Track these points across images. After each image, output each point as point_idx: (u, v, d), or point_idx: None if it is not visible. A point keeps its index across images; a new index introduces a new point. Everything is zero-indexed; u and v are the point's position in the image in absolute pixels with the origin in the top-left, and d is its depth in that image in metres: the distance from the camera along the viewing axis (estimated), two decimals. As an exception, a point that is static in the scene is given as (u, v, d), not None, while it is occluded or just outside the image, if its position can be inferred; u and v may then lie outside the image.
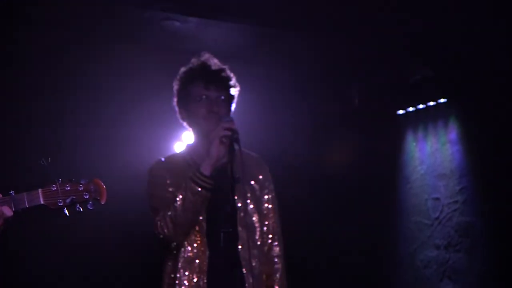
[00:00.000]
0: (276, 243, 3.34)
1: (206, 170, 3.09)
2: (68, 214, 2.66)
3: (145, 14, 4.76)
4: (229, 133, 3.07)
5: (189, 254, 3.17)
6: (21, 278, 5.22)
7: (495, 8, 4.57)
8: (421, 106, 6.07)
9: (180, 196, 3.12)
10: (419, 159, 6.12)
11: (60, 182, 2.65)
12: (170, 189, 3.23)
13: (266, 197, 3.36)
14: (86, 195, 2.69)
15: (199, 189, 3.09)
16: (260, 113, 5.69)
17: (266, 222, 3.33)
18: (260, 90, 5.58)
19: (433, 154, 5.98)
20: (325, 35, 5.20)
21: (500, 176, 5.32)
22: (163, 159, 3.44)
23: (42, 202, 2.62)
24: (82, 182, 2.69)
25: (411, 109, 6.18)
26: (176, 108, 3.39)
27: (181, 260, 3.17)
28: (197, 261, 3.15)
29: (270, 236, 3.33)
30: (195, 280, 3.13)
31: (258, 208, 3.30)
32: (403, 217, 6.25)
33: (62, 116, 5.42)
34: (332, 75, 5.93)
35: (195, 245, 3.18)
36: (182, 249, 3.18)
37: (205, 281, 3.12)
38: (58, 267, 5.38)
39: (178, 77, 3.37)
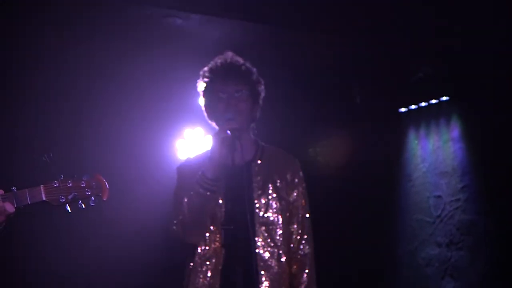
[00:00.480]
0: (304, 241, 3.30)
1: (209, 172, 3.07)
2: (70, 211, 2.65)
3: (147, 11, 4.74)
4: (229, 134, 3.05)
5: (206, 252, 3.16)
6: (22, 275, 5.23)
7: (497, 6, 4.57)
8: (423, 104, 6.06)
9: (186, 200, 3.11)
10: (421, 157, 6.12)
11: (62, 178, 2.64)
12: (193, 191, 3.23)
13: (294, 195, 3.32)
14: (88, 191, 2.68)
15: (206, 192, 3.07)
16: (262, 111, 5.68)
17: (296, 220, 3.29)
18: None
19: (435, 152, 5.98)
20: (327, 33, 5.20)
21: (502, 174, 5.31)
22: (191, 157, 3.43)
23: (44, 199, 2.62)
24: (84, 178, 2.68)
25: (413, 107, 6.17)
26: (203, 109, 3.37)
27: (198, 258, 3.17)
28: (213, 260, 3.14)
29: (300, 233, 3.29)
30: (208, 278, 3.12)
31: (283, 207, 3.25)
32: (405, 215, 6.25)
33: (64, 113, 5.42)
34: (334, 73, 5.92)
35: (212, 244, 3.16)
36: (199, 248, 3.17)
37: (219, 279, 3.10)
38: (59, 264, 5.38)
39: (200, 76, 3.36)
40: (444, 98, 5.86)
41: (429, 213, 6.00)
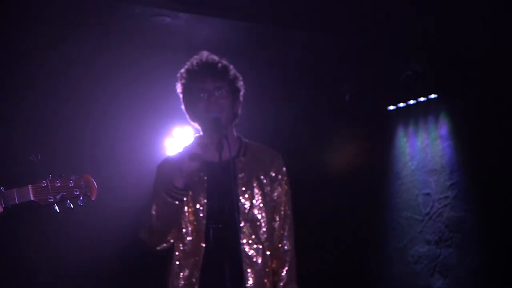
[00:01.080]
0: (286, 238, 3.31)
1: (179, 183, 3.07)
2: (58, 211, 2.64)
3: (135, 10, 4.73)
4: (198, 151, 3.06)
5: (184, 251, 3.16)
6: (16, 275, 5.21)
7: (485, 4, 4.59)
8: (411, 101, 6.08)
9: (155, 207, 3.13)
10: (410, 155, 6.14)
11: (50, 178, 2.64)
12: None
13: (277, 192, 3.32)
14: (76, 191, 2.68)
15: (174, 201, 3.08)
16: (249, 110, 5.67)
17: (278, 217, 3.30)
18: (249, 87, 5.57)
19: (423, 150, 5.99)
20: (315, 32, 5.20)
21: (491, 171, 5.34)
22: (171, 156, 3.43)
23: (32, 199, 2.61)
24: (73, 178, 2.67)
25: (401, 104, 6.19)
26: (184, 110, 3.37)
27: (176, 257, 3.18)
28: (192, 257, 3.14)
29: (281, 230, 3.30)
30: (186, 274, 3.13)
31: (266, 204, 3.26)
32: (394, 212, 6.27)
33: (52, 112, 5.40)
34: (323, 71, 5.93)
35: (189, 241, 3.17)
36: (178, 245, 3.18)
37: (198, 277, 3.11)
38: (50, 264, 5.37)
39: (178, 78, 3.35)
40: (433, 96, 5.88)
41: (418, 210, 6.02)
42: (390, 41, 5.32)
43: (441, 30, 5.05)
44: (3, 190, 2.57)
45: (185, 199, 3.11)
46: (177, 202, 3.08)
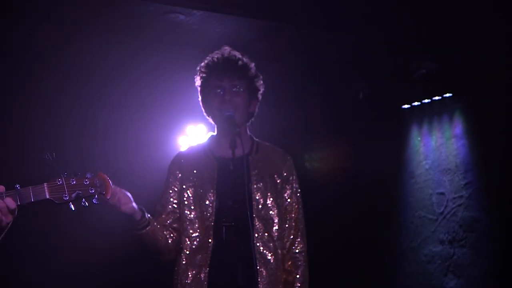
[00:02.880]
0: (299, 239, 3.30)
1: (136, 215, 3.07)
2: (73, 209, 2.63)
3: (149, 7, 4.73)
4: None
5: (191, 249, 3.15)
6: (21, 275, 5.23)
7: (501, 3, 4.56)
8: (426, 100, 6.04)
9: (133, 245, 3.19)
10: (424, 154, 6.10)
11: (65, 176, 2.63)
12: (176, 188, 3.27)
13: (289, 192, 3.31)
14: (91, 189, 2.66)
15: (138, 232, 3.10)
16: (264, 108, 5.67)
17: (289, 218, 3.28)
18: (264, 84, 5.55)
19: (438, 149, 5.96)
20: (330, 30, 5.18)
21: (505, 170, 5.30)
22: (182, 151, 3.43)
23: (47, 197, 2.59)
24: (88, 176, 2.66)
25: (416, 103, 6.15)
26: (200, 103, 3.36)
27: (183, 254, 3.16)
28: (200, 254, 3.13)
29: (293, 231, 3.29)
30: (195, 271, 3.11)
31: (279, 203, 3.25)
32: (407, 211, 6.24)
33: (66, 110, 5.41)
34: (337, 69, 5.91)
35: (196, 238, 3.15)
36: (185, 245, 3.16)
37: (206, 274, 3.09)
38: (61, 264, 5.38)
39: (197, 72, 3.34)
40: (447, 94, 5.84)
41: (431, 210, 5.99)
42: (404, 39, 5.29)
43: (456, 29, 5.02)
44: (18, 187, 2.56)
45: (149, 225, 3.10)
46: (143, 231, 3.09)
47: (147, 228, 3.09)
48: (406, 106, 6.24)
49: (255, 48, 5.40)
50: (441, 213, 5.89)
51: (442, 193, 5.90)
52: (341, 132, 6.37)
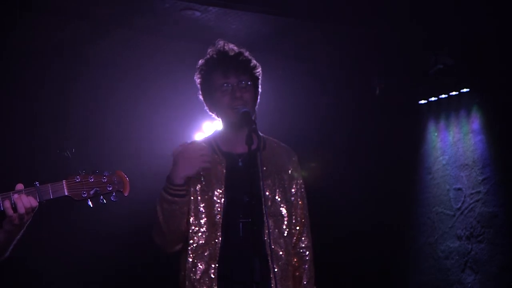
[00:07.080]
0: (305, 235, 3.30)
1: (176, 179, 3.05)
2: (91, 206, 2.66)
3: (165, 4, 4.74)
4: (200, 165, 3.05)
5: (198, 244, 3.13)
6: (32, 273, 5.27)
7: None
8: (443, 96, 6.01)
9: (158, 207, 3.10)
10: (441, 149, 6.08)
11: (83, 173, 2.65)
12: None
13: (295, 188, 3.30)
14: (109, 186, 2.69)
15: (174, 198, 3.06)
16: (280, 103, 5.67)
17: (295, 213, 3.27)
18: (281, 80, 5.56)
19: (455, 144, 5.93)
20: (346, 25, 5.17)
21: (523, 166, 5.27)
22: (188, 142, 3.40)
23: (66, 194, 2.62)
24: (106, 174, 2.68)
25: (433, 98, 6.12)
26: (203, 101, 3.35)
27: (190, 250, 3.14)
28: (207, 250, 3.12)
29: (299, 227, 3.28)
30: (203, 267, 3.10)
31: (286, 199, 3.25)
32: (425, 207, 6.22)
33: (85, 109, 5.44)
34: (353, 65, 5.89)
35: (203, 235, 3.14)
36: (191, 240, 3.15)
37: (215, 269, 3.09)
38: (77, 259, 5.42)
39: (197, 70, 3.32)
40: (464, 90, 5.81)
41: (449, 205, 5.97)
42: (421, 34, 5.26)
43: (473, 24, 4.98)
44: (38, 185, 2.59)
45: (185, 196, 3.07)
46: (176, 199, 3.05)
47: (186, 198, 3.08)
48: (423, 101, 6.21)
49: (271, 44, 5.41)
50: (459, 209, 5.87)
51: (459, 189, 5.88)
52: (358, 127, 6.35)
